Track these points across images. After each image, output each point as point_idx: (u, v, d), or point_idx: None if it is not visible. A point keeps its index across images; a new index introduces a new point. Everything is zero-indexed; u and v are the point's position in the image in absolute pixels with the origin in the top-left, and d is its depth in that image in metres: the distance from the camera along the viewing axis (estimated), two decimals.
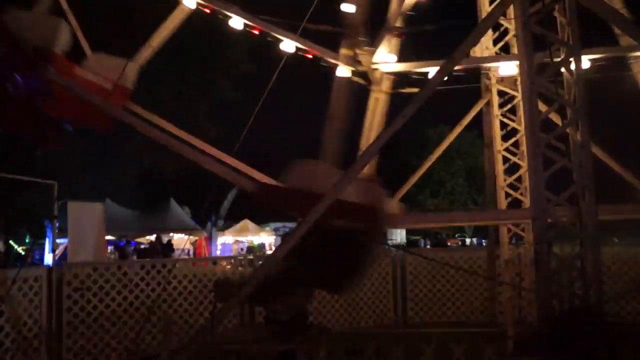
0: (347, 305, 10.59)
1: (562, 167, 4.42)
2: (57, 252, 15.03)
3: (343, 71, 7.27)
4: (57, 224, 13.98)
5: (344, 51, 7.21)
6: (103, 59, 6.56)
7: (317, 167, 5.35)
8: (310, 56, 7.53)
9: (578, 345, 3.78)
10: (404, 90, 7.93)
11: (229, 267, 10.61)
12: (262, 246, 32.49)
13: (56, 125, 5.99)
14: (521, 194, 7.76)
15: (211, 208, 31.53)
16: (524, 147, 7.60)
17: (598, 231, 4.21)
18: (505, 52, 8.05)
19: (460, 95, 8.52)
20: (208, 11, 7.45)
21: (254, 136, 7.52)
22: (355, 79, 7.47)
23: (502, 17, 7.73)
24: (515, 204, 7.78)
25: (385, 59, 7.67)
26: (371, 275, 10.79)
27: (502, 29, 8.01)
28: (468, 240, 44.74)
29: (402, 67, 7.81)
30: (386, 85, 7.88)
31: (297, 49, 7.49)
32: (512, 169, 8.06)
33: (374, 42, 7.59)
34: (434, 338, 7.38)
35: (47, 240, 18.95)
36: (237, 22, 7.45)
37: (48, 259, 17.07)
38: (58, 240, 15.95)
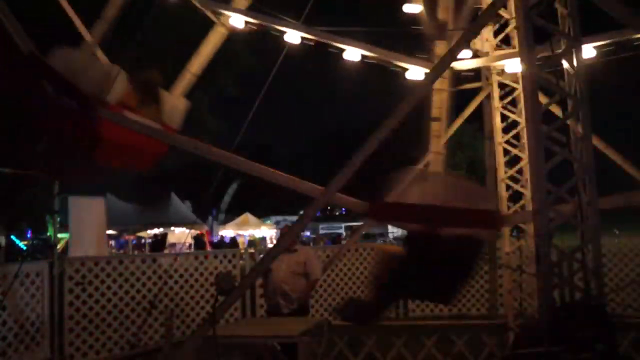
0: (349, 298, 10.60)
1: (563, 159, 4.41)
2: (58, 246, 15.05)
3: (415, 73, 7.28)
4: (58, 219, 14.00)
5: (439, 51, 7.20)
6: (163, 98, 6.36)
7: (77, 55, 5.33)
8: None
9: (579, 337, 3.79)
10: (467, 87, 7.98)
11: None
12: (263, 239, 32.58)
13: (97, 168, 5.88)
14: (522, 187, 7.76)
15: (212, 202, 31.58)
16: (524, 140, 7.58)
17: (599, 223, 4.21)
18: (505, 44, 8.02)
19: (460, 88, 8.50)
20: (256, 28, 7.39)
21: (255, 130, 7.51)
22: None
23: (502, 9, 7.70)
24: (515, 196, 7.78)
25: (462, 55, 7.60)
26: (372, 267, 10.81)
27: (502, 20, 7.98)
28: None
29: (479, 62, 7.78)
30: (446, 83, 7.87)
31: (363, 56, 7.49)
32: (512, 161, 8.05)
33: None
34: (435, 330, 7.41)
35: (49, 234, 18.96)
36: (292, 37, 7.34)
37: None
38: (59, 235, 15.97)
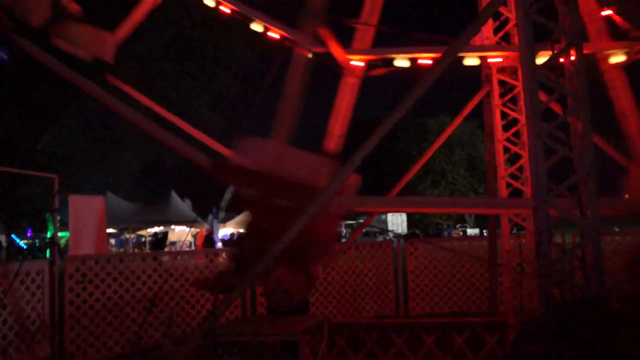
0: (349, 295, 10.62)
1: (563, 157, 4.41)
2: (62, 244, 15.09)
3: (301, 51, 7.27)
4: (58, 218, 14.00)
5: (303, 27, 7.15)
6: (84, 30, 6.31)
7: (269, 144, 5.29)
8: (277, 36, 7.44)
9: (579, 335, 3.79)
10: (374, 74, 7.91)
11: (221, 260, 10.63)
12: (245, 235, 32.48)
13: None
14: (522, 184, 7.76)
15: (212, 200, 31.58)
16: (524, 137, 7.58)
17: (599, 220, 4.21)
18: (505, 42, 8.02)
19: (460, 85, 8.50)
20: None
21: (255, 127, 7.52)
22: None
23: (502, 6, 7.69)
24: (516, 193, 7.78)
25: (357, 45, 7.63)
26: (372, 265, 10.82)
27: (502, 18, 7.97)
28: (470, 231, 44.83)
29: (372, 52, 7.75)
30: (358, 70, 7.85)
31: (265, 28, 7.44)
32: (513, 158, 8.05)
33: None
34: (435, 328, 7.41)
35: (48, 234, 18.99)
36: None
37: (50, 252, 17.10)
38: (60, 234, 15.98)
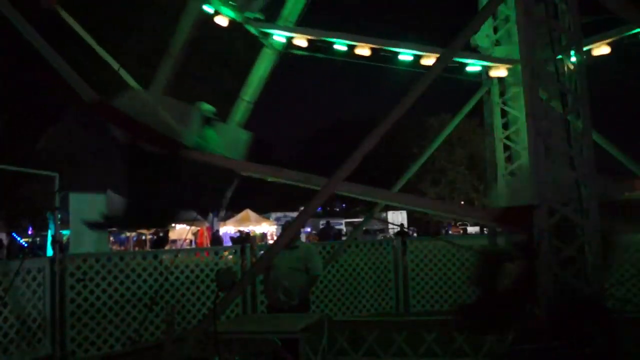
0: (349, 293, 10.63)
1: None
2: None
3: (220, 20, 7.41)
4: (59, 216, 14.01)
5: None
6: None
7: (143, 94, 5.45)
8: None
9: (579, 333, 3.80)
10: (293, 52, 7.98)
11: (230, 257, 10.65)
12: (263, 236, 32.59)
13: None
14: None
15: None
16: (525, 135, 7.58)
17: (599, 218, 4.22)
18: (506, 40, 8.01)
19: (460, 83, 8.50)
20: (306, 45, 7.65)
21: (255, 127, 7.56)
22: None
23: (502, 4, 7.68)
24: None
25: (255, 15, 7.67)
26: (372, 263, 10.83)
27: (502, 16, 7.96)
28: (470, 229, 44.84)
29: (269, 27, 7.79)
30: (277, 44, 7.89)
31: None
32: (513, 157, 8.05)
33: None
34: (435, 325, 7.41)
35: (49, 232, 19.00)
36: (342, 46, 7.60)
37: (51, 250, 17.14)
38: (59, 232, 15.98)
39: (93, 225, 5.59)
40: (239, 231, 31.55)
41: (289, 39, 7.80)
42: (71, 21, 6.74)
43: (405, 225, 41.06)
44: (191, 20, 6.74)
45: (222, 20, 7.49)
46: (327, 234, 23.96)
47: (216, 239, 26.90)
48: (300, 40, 7.73)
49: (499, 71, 7.74)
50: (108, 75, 7.32)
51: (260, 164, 5.34)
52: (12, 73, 17.80)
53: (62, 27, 6.67)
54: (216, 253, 10.20)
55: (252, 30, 7.70)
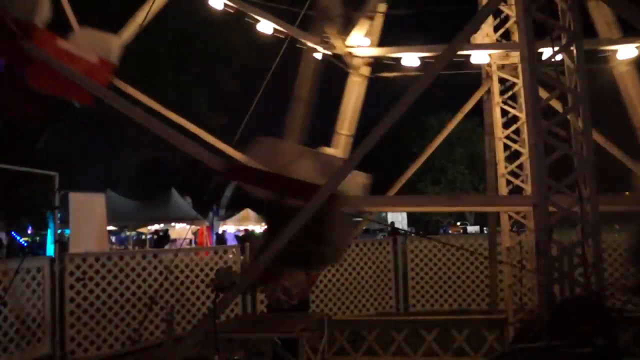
0: (349, 293, 10.63)
1: (563, 154, 4.41)
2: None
3: (313, 52, 7.30)
4: (59, 215, 14.00)
5: (315, 31, 7.14)
6: (89, 34, 6.30)
7: (278, 145, 5.31)
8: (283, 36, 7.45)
9: (579, 332, 3.80)
10: (382, 75, 7.96)
11: (230, 256, 10.64)
12: (263, 235, 32.56)
13: (39, 100, 5.73)
14: (522, 182, 7.75)
15: (213, 197, 31.58)
16: (524, 135, 7.58)
17: (599, 218, 4.21)
18: (506, 39, 8.01)
19: (461, 82, 8.50)
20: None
21: (255, 125, 7.53)
22: (332, 59, 7.47)
23: (502, 4, 7.68)
24: (516, 191, 7.78)
25: (359, 42, 7.65)
26: (372, 263, 10.83)
27: (502, 15, 7.96)
28: (470, 228, 44.85)
29: (376, 51, 7.79)
30: (365, 69, 7.88)
31: (275, 30, 7.44)
32: (513, 156, 8.04)
33: (349, 25, 7.56)
34: (435, 325, 7.41)
35: (49, 231, 19.00)
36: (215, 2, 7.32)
37: (50, 249, 17.14)
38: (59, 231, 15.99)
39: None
40: (245, 230, 31.60)
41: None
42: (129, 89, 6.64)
43: (406, 225, 41.09)
44: (311, 67, 6.62)
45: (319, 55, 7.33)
46: None
47: (220, 239, 27.04)
48: (412, 61, 7.60)
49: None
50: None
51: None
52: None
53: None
54: (216, 252, 10.19)
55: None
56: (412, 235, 16.76)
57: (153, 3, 6.70)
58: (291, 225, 4.31)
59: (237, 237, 29.59)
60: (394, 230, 21.21)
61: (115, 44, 6.34)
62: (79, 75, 5.19)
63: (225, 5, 7.28)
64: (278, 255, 4.39)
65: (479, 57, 7.73)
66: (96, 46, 6.07)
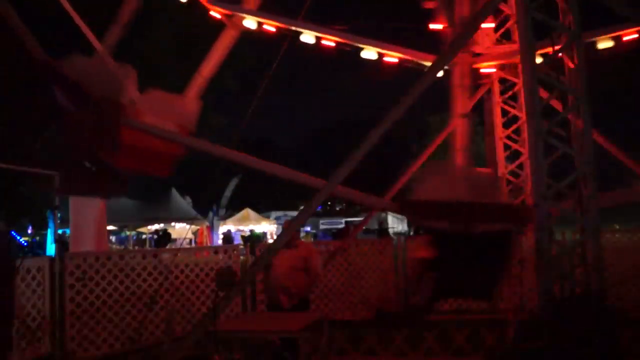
0: (349, 293, 10.62)
1: (563, 154, 4.41)
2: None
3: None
4: (58, 215, 14.00)
5: None
6: (165, 98, 6.39)
7: (448, 171, 5.25)
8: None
9: (579, 331, 3.80)
10: (252, 29, 8.01)
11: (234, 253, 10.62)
12: (263, 235, 32.58)
13: (120, 177, 5.84)
14: (522, 182, 7.76)
15: (213, 197, 31.57)
16: (525, 134, 7.58)
17: (599, 217, 4.21)
18: (506, 39, 8.01)
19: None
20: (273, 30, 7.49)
21: (255, 124, 7.56)
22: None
23: (502, 3, 7.68)
24: (516, 191, 7.78)
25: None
26: (373, 262, 10.81)
27: (502, 15, 7.96)
28: None
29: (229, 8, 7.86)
30: (239, 24, 7.95)
31: (379, 54, 7.81)
32: (513, 156, 8.05)
33: None
34: (435, 324, 7.41)
35: (49, 231, 19.00)
36: (308, 37, 7.68)
37: (50, 249, 17.16)
38: (59, 231, 16.00)
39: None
40: (251, 231, 31.66)
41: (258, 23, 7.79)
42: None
43: (406, 226, 41.06)
44: None
45: None
46: (345, 234, 24.03)
47: (227, 238, 27.09)
48: (251, 24, 7.70)
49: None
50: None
51: (206, 142, 5.23)
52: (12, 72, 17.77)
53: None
54: (216, 252, 10.18)
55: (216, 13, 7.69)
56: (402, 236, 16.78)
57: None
58: (292, 225, 4.30)
59: (242, 237, 29.65)
60: (382, 232, 21.21)
61: (192, 108, 6.48)
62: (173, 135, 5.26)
63: (260, 24, 7.49)
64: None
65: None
66: (173, 113, 6.18)
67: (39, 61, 4.74)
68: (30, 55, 4.70)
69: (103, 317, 8.40)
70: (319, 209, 32.04)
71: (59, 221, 14.47)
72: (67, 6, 6.31)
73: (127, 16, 6.76)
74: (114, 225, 24.87)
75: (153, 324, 8.87)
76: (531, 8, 4.39)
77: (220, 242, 29.14)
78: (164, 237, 24.88)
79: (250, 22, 7.54)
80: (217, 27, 7.73)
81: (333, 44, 7.63)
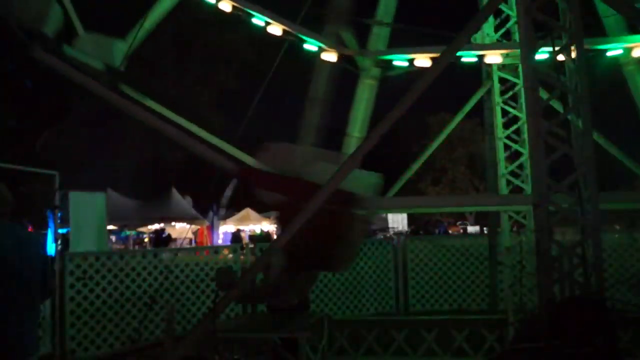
0: (349, 293, 10.63)
1: (563, 154, 4.41)
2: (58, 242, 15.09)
3: (328, 55, 7.31)
4: (59, 215, 13.99)
5: (329, 30, 7.16)
6: (96, 39, 6.32)
7: (292, 149, 5.28)
8: (279, 32, 7.48)
9: (579, 332, 3.80)
10: (392, 74, 8.00)
11: (230, 256, 10.64)
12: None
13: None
14: (522, 182, 7.75)
15: (213, 197, 31.57)
16: (525, 135, 7.58)
17: (599, 218, 4.21)
18: (506, 39, 8.01)
19: (461, 82, 8.50)
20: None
21: (256, 123, 7.56)
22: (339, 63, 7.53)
23: (503, 4, 7.68)
24: (516, 191, 7.78)
25: (374, 45, 7.69)
26: (372, 263, 10.82)
27: (503, 15, 7.96)
28: (470, 228, 44.80)
29: (387, 53, 7.83)
30: (375, 71, 7.90)
31: (284, 32, 7.46)
32: (513, 156, 8.05)
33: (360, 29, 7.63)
34: (435, 325, 7.41)
35: (49, 230, 18.99)
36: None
37: (51, 248, 17.15)
38: (60, 231, 15.99)
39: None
40: (261, 230, 31.75)
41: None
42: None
43: (406, 225, 41.05)
44: (327, 70, 6.62)
45: (330, 57, 7.41)
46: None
47: (236, 237, 27.30)
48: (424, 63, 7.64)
49: (494, 57, 7.76)
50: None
51: None
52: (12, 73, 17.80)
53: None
54: (216, 251, 10.19)
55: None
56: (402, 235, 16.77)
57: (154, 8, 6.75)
58: (293, 224, 4.31)
59: (250, 236, 29.80)
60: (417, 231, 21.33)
61: (118, 48, 6.39)
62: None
63: (234, 7, 7.31)
64: (295, 257, 4.40)
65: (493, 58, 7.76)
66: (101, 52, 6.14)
67: (237, 173, 4.75)
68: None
69: (103, 317, 8.41)
70: None
71: (59, 221, 14.46)
72: None
73: (322, 93, 6.63)
74: (115, 224, 24.87)
75: (153, 323, 8.88)
76: (531, 8, 4.39)
77: (220, 241, 29.18)
78: (162, 237, 24.90)
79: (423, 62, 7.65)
80: (216, 26, 7.73)
81: (229, 9, 7.42)
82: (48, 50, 5.25)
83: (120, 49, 6.45)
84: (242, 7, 7.38)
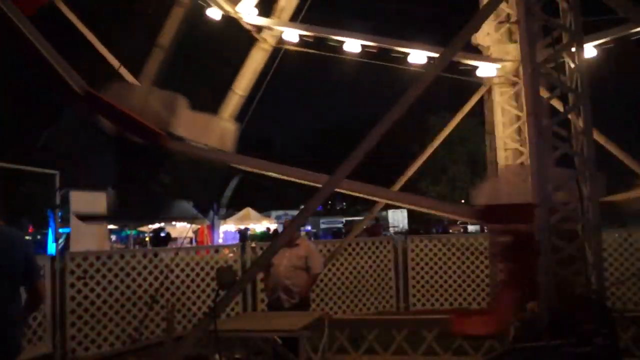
0: (349, 292, 10.63)
1: (564, 154, 4.40)
2: (59, 241, 15.11)
3: (212, 11, 7.59)
4: (59, 214, 14.03)
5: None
6: (194, 117, 6.37)
7: (131, 87, 5.41)
8: None
9: (579, 331, 3.80)
10: (288, 47, 8.05)
11: (231, 255, 10.66)
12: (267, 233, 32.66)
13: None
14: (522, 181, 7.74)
15: (213, 196, 31.58)
16: (525, 134, 7.57)
17: (599, 218, 4.21)
18: (506, 39, 7.99)
19: (461, 81, 8.48)
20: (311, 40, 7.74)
21: (255, 123, 7.58)
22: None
23: (504, 3, 7.67)
24: None
25: (248, 9, 7.72)
26: (373, 262, 10.83)
27: (503, 15, 7.94)
28: (471, 227, 44.78)
29: (262, 21, 7.83)
30: (270, 40, 7.95)
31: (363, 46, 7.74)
32: (513, 156, 8.02)
33: None
34: (436, 324, 7.41)
35: (49, 230, 19.02)
36: (352, 46, 7.74)
37: (51, 248, 17.17)
38: (60, 230, 16.02)
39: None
40: (267, 228, 31.84)
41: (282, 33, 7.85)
42: (71, 16, 6.72)
43: (406, 224, 41.07)
44: (182, 11, 6.81)
45: (214, 13, 7.53)
46: (376, 232, 24.22)
47: (243, 235, 27.63)
48: (292, 36, 7.77)
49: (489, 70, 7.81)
50: (104, 69, 7.31)
51: (253, 158, 5.25)
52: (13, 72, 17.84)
53: (59, 21, 6.65)
54: (216, 251, 10.20)
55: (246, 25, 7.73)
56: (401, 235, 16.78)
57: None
58: (292, 224, 4.30)
59: (250, 235, 30.06)
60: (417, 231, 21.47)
61: (232, 129, 6.54)
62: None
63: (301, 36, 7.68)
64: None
65: (486, 69, 7.80)
66: (211, 135, 6.26)
67: (82, 92, 4.75)
68: (69, 87, 4.70)
69: (104, 316, 8.43)
70: (319, 208, 32.03)
71: (59, 220, 14.49)
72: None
73: (169, 38, 6.74)
74: (115, 224, 24.88)
75: (153, 323, 8.89)
76: (532, 8, 4.39)
77: (221, 241, 29.20)
78: (162, 236, 24.90)
79: (290, 35, 7.65)
80: (210, 22, 7.74)
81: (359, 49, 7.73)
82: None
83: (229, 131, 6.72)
84: None
